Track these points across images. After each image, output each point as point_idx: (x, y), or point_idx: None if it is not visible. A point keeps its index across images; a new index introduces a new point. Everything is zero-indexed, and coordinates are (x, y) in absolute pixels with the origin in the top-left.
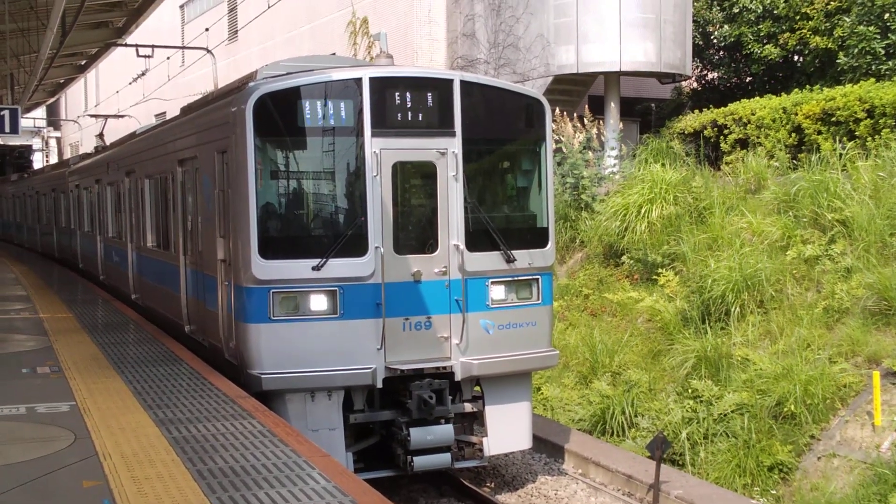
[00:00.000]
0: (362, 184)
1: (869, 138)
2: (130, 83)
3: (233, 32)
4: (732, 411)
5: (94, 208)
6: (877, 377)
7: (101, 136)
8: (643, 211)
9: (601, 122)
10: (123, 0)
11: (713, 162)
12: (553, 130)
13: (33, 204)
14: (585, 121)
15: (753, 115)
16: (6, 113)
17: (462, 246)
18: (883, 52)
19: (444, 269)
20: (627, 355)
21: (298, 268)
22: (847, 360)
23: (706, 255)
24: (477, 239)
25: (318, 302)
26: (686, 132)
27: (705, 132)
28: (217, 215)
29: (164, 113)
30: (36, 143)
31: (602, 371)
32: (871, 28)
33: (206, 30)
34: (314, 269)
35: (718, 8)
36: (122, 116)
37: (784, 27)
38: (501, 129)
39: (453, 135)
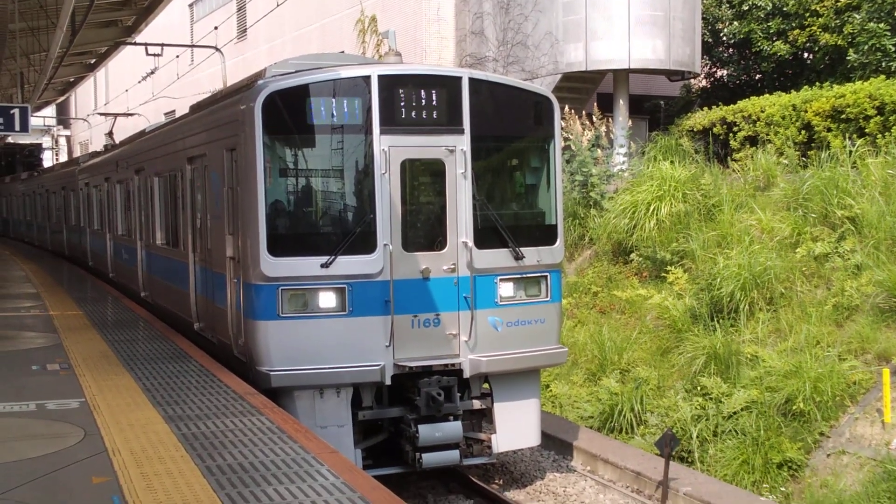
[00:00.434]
0: (371, 181)
1: (879, 135)
2: (140, 82)
3: (241, 31)
4: (742, 409)
5: (104, 206)
6: (886, 374)
7: (110, 134)
8: (652, 208)
9: (610, 119)
10: None
11: (722, 159)
12: (562, 128)
13: (43, 202)
14: (594, 118)
15: (763, 112)
16: (16, 111)
17: (471, 243)
18: (893, 48)
19: (452, 267)
20: (636, 352)
21: (307, 265)
22: (857, 358)
23: (715, 252)
24: (485, 236)
25: (327, 299)
26: (695, 129)
27: (714, 129)
28: (226, 213)
29: (174, 111)
30: (46, 141)
31: (611, 368)
32: (882, 25)
33: (215, 28)
34: (323, 266)
35: (728, 5)
36: (131, 115)
37: (794, 24)
38: (510, 127)
39: (462, 132)
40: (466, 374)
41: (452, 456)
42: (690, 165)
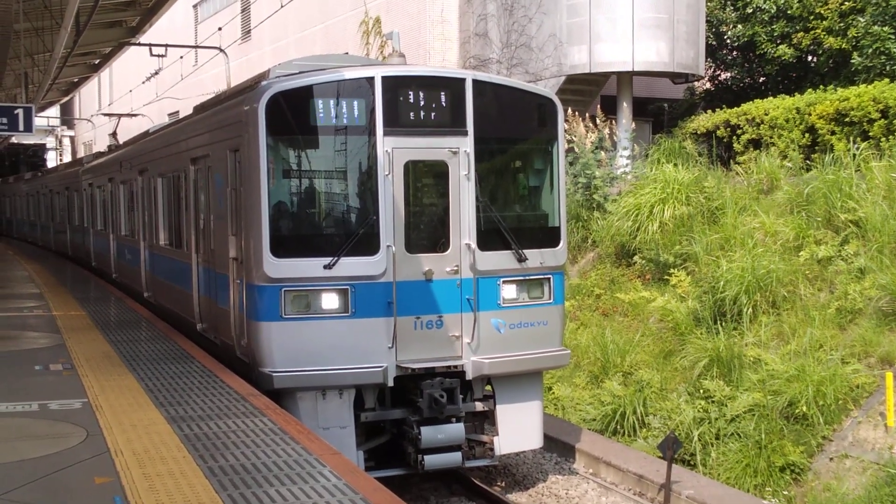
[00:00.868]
0: (374, 183)
1: (883, 139)
2: (144, 82)
3: (246, 32)
4: (744, 412)
5: (107, 207)
6: (890, 378)
7: (114, 134)
8: (655, 211)
9: (613, 121)
10: None
11: (726, 162)
12: (565, 130)
13: (47, 202)
14: (598, 121)
15: (766, 115)
16: (20, 111)
17: (474, 245)
18: None
19: (455, 269)
20: (639, 355)
21: (310, 266)
22: (860, 361)
23: (718, 255)
24: (489, 238)
25: (330, 300)
26: (699, 132)
27: (718, 132)
28: (229, 214)
29: (177, 112)
30: (50, 141)
31: (613, 371)
32: (886, 28)
33: (219, 29)
34: (326, 267)
35: (732, 8)
36: (135, 115)
37: (798, 27)
38: (514, 129)
39: (465, 134)
40: (469, 376)
41: (455, 458)
42: (694, 168)
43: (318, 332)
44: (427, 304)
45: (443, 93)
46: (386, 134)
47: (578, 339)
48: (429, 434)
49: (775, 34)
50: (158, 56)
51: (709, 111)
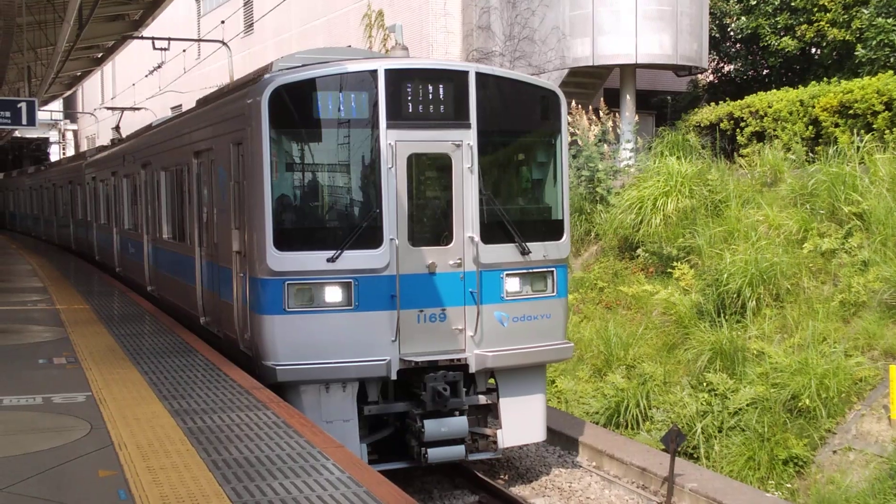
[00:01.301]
0: (377, 176)
1: (887, 131)
2: (147, 76)
3: (248, 25)
4: (747, 405)
5: (111, 200)
6: (893, 371)
7: (117, 128)
8: (658, 204)
9: (617, 114)
10: None
11: (729, 155)
12: (568, 123)
13: (50, 196)
14: (601, 113)
15: (770, 107)
16: (23, 105)
17: (477, 238)
18: None
19: (458, 262)
20: (642, 348)
21: (313, 259)
22: (863, 354)
23: (722, 248)
24: (492, 231)
25: (333, 294)
26: (702, 125)
27: (721, 125)
28: (232, 207)
29: (180, 105)
30: (53, 135)
31: (617, 364)
32: (890, 20)
33: (222, 22)
34: (329, 260)
35: (735, 0)
36: (138, 109)
37: (801, 19)
38: (517, 122)
39: (469, 127)
40: (472, 370)
41: (458, 451)
42: (697, 161)
43: (322, 325)
44: (430, 298)
45: (446, 86)
46: (389, 127)
47: (582, 332)
48: (432, 427)
49: (779, 26)
50: (161, 50)
51: (712, 104)
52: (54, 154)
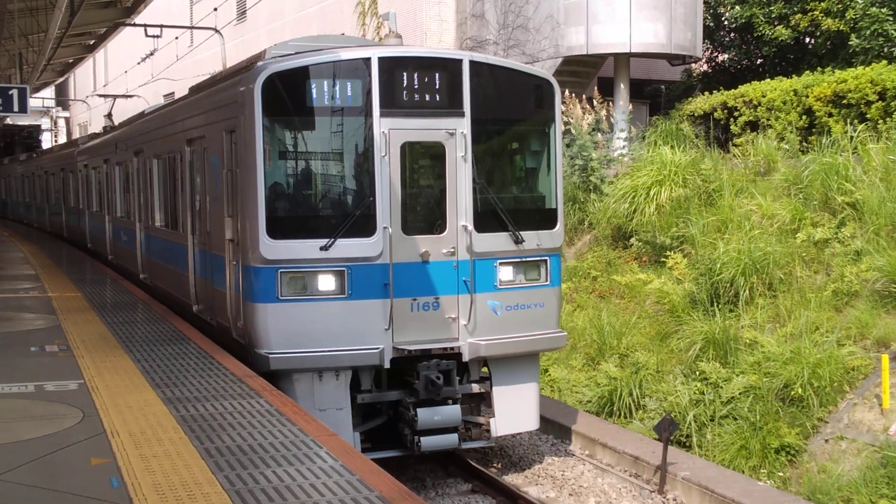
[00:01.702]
0: (371, 164)
1: (880, 121)
2: (139, 63)
3: (241, 12)
4: (740, 394)
5: (103, 188)
6: (885, 360)
7: (109, 115)
8: (652, 193)
9: (610, 103)
10: None
11: (723, 144)
12: (562, 112)
13: (42, 184)
14: (595, 102)
15: (764, 97)
16: (15, 92)
17: (470, 227)
18: (895, 33)
19: (452, 250)
20: (635, 337)
21: (306, 248)
22: (855, 343)
23: (715, 237)
24: (485, 220)
25: (326, 282)
26: (696, 114)
27: (715, 114)
28: (225, 195)
29: (173, 93)
30: (45, 122)
31: (610, 353)
32: (884, 10)
33: (215, 10)
34: (322, 249)
35: None
36: (130, 96)
37: (796, 8)
38: (511, 110)
39: (462, 115)
40: (465, 358)
41: (451, 439)
42: (691, 150)
43: (315, 313)
44: (423, 286)
45: (440, 74)
46: (382, 115)
47: (575, 321)
48: (425, 416)
49: (773, 16)
50: (154, 37)
51: (706, 93)
52: (46, 141)
